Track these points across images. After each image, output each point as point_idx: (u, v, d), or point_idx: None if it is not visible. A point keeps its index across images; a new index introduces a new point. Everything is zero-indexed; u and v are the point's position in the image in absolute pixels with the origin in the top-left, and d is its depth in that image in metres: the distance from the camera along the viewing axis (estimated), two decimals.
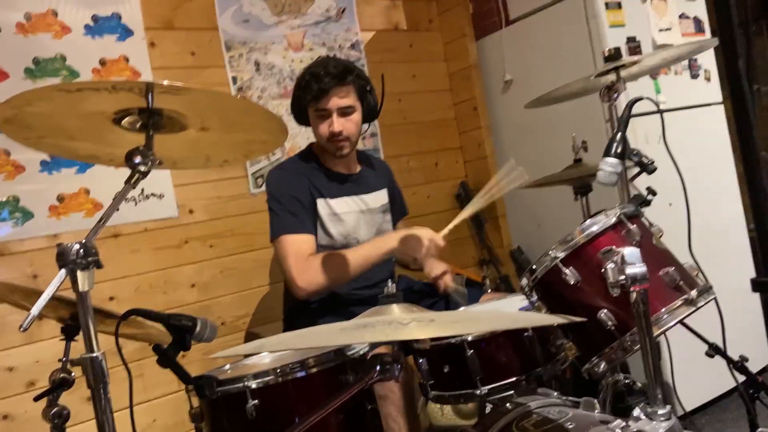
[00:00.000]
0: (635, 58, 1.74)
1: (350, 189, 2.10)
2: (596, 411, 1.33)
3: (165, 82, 1.08)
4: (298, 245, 1.92)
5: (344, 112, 1.98)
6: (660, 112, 1.54)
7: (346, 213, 2.06)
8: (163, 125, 1.20)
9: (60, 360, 1.34)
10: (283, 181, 2.02)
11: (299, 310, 2.08)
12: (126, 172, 1.16)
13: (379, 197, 2.17)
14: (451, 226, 1.88)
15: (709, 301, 1.27)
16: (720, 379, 2.07)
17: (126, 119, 1.18)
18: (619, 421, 1.13)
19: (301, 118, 2.07)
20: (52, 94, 1.07)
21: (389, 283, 1.21)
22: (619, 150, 1.41)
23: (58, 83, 1.00)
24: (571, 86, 1.84)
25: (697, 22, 2.76)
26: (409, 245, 1.84)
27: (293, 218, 1.95)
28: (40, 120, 1.15)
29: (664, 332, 1.23)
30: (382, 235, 2.12)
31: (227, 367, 1.57)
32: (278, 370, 1.32)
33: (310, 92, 1.96)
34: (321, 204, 2.02)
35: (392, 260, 2.21)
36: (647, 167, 1.48)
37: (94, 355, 1.02)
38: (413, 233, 1.85)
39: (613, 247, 1.21)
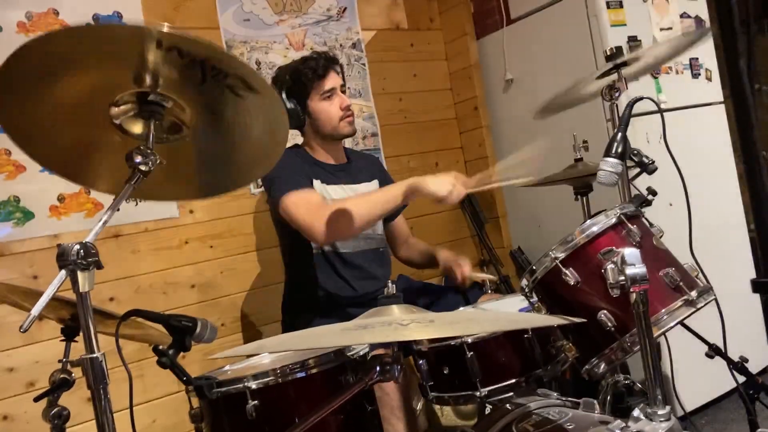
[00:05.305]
0: (636, 53, 1.73)
1: (342, 178, 2.11)
2: (596, 411, 1.33)
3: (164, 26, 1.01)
4: (307, 197, 1.92)
5: (342, 89, 2.08)
6: (661, 111, 1.53)
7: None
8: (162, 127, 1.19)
9: (60, 361, 1.34)
10: (284, 159, 2.01)
11: (298, 311, 2.07)
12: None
13: (370, 188, 2.17)
14: (483, 187, 1.80)
15: (709, 302, 1.27)
16: (720, 380, 2.08)
17: (122, 107, 1.16)
18: (618, 421, 1.13)
19: (296, 118, 2.05)
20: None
21: (389, 284, 1.21)
22: (619, 150, 1.40)
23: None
24: (577, 91, 1.82)
25: (699, 21, 2.76)
26: (438, 183, 1.72)
27: (296, 178, 1.95)
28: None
29: (663, 333, 1.23)
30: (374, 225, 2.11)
31: (227, 367, 1.57)
32: (278, 371, 1.32)
33: (313, 73, 2.02)
34: (317, 185, 2.02)
35: (389, 261, 2.20)
36: (648, 167, 1.48)
37: (94, 355, 1.01)
38: (440, 175, 1.75)
39: (613, 247, 1.21)
